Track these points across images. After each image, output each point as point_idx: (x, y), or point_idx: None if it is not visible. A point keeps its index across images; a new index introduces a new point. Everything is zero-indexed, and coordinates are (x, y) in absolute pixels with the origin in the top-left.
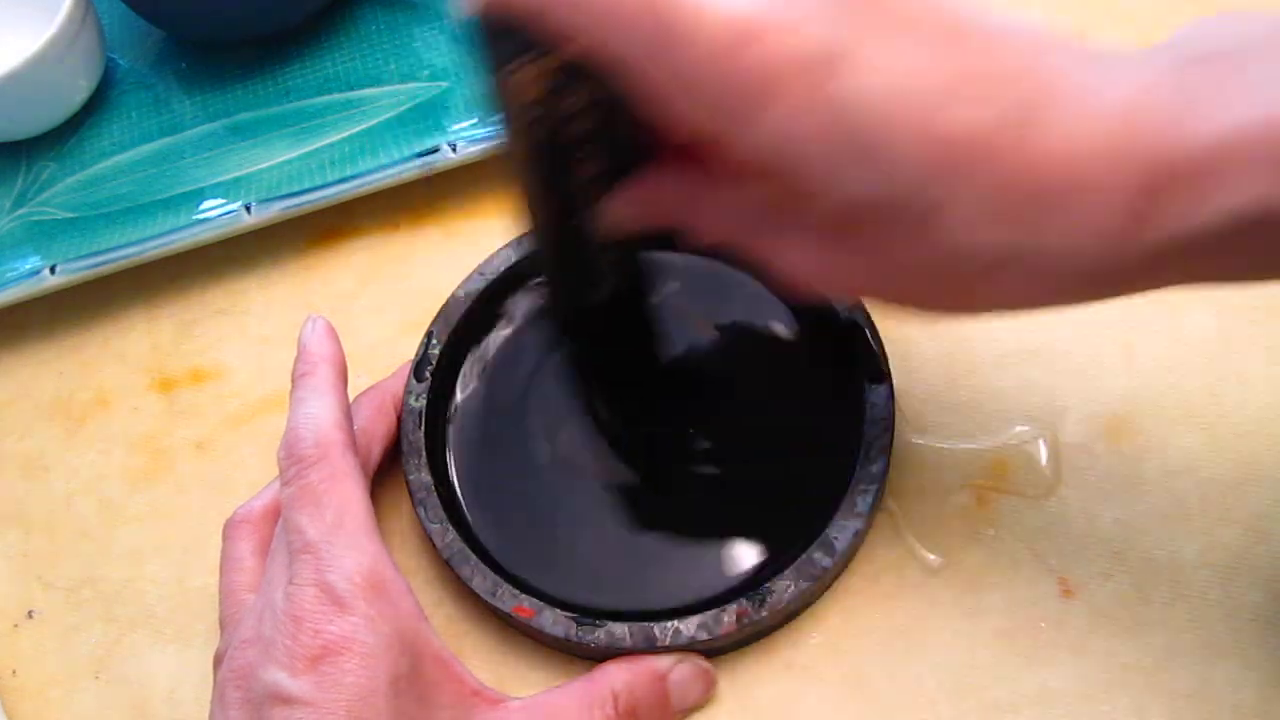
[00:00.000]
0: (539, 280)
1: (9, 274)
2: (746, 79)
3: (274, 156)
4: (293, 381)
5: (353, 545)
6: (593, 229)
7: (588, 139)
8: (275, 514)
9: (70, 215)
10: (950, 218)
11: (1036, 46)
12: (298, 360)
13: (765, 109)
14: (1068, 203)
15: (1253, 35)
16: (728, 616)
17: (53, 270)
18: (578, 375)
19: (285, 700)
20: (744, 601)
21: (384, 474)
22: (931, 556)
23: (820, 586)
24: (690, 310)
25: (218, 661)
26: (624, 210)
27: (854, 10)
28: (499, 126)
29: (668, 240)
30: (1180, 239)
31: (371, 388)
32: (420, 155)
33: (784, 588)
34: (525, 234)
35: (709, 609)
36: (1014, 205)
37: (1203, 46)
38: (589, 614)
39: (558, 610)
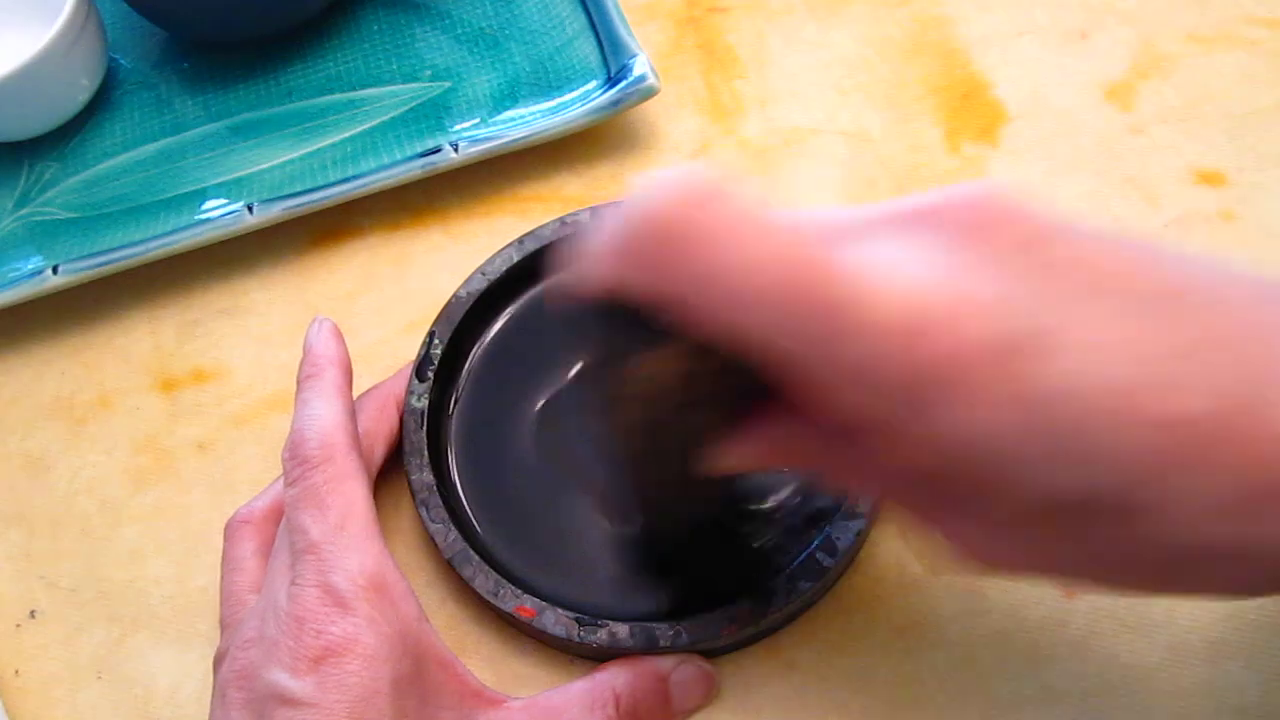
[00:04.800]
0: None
1: (11, 274)
2: (923, 371)
3: (276, 156)
4: (298, 383)
5: (356, 546)
6: (697, 467)
7: (708, 398)
8: (277, 514)
9: (72, 215)
10: (1169, 513)
11: (1258, 302)
12: (303, 362)
13: (946, 403)
14: None
15: None
16: (729, 617)
17: (55, 270)
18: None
19: (287, 701)
20: (745, 602)
21: (386, 474)
22: (933, 558)
23: (822, 587)
24: None
25: (218, 662)
26: (745, 451)
27: (1043, 277)
28: (605, 408)
29: None
30: None
31: (373, 388)
32: (422, 155)
33: (785, 588)
34: (618, 469)
35: (711, 609)
36: (1245, 499)
37: None
38: (591, 614)
39: (559, 610)
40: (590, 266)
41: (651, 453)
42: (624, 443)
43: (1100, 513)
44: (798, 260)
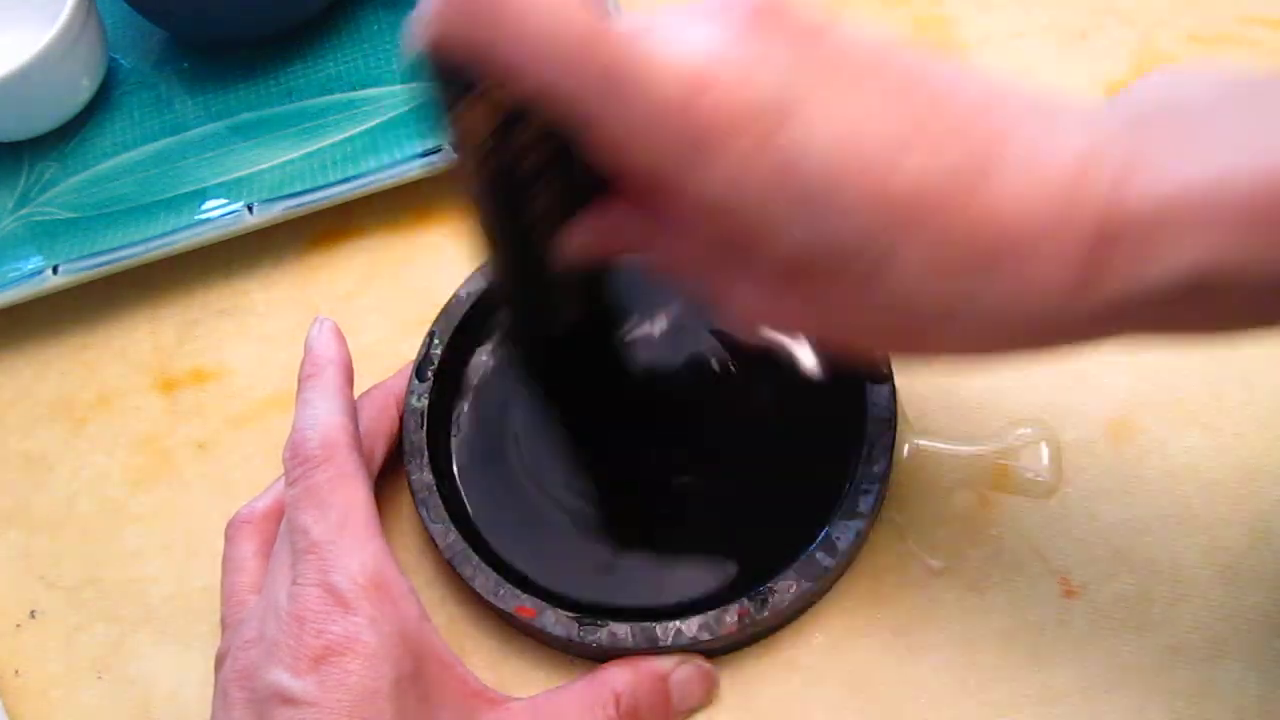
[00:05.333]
0: (501, 311)
1: (11, 274)
2: (696, 129)
3: (276, 156)
4: (299, 383)
5: (357, 546)
6: (551, 260)
7: (542, 172)
8: (277, 514)
9: (73, 215)
10: (898, 269)
11: (988, 97)
12: (304, 362)
13: (715, 158)
14: (1015, 260)
15: (1200, 96)
16: (729, 617)
17: (55, 270)
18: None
19: (288, 700)
20: (746, 601)
21: (386, 474)
22: (933, 557)
23: (822, 586)
24: (691, 316)
25: (219, 662)
26: (580, 241)
27: (805, 59)
28: (452, 158)
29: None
30: (1128, 298)
31: (374, 388)
32: (422, 155)
33: (786, 588)
34: (485, 264)
35: (711, 609)
36: (962, 260)
37: (1153, 106)
38: (591, 614)
39: (559, 610)
40: (418, 23)
41: (506, 225)
42: (481, 208)
43: (844, 268)
44: (587, 24)
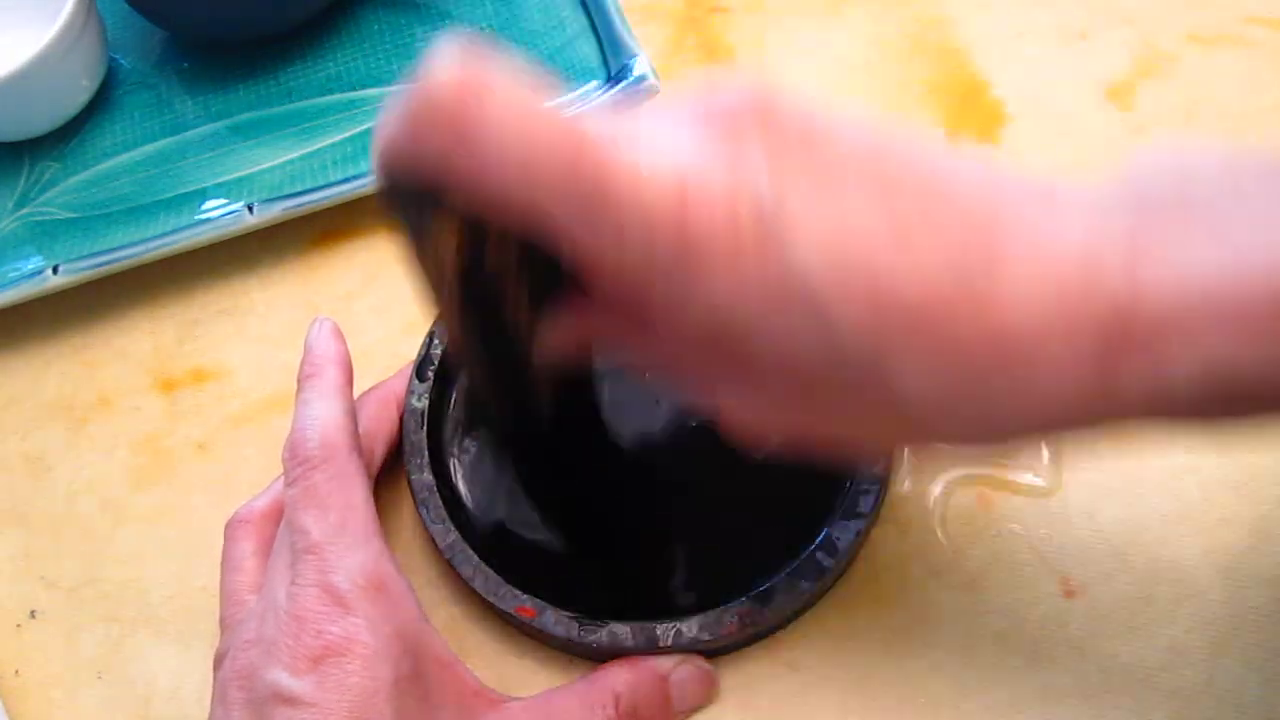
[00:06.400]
0: (479, 404)
1: (11, 274)
2: (683, 243)
3: (276, 156)
4: (299, 383)
5: (356, 546)
6: (530, 358)
7: (515, 273)
8: (276, 514)
9: (73, 215)
10: (899, 378)
11: (984, 185)
12: (304, 362)
13: (703, 272)
14: (1024, 365)
15: (1207, 180)
16: (729, 617)
17: (55, 270)
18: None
19: (288, 701)
20: (746, 602)
21: (386, 474)
22: (932, 557)
23: (822, 587)
24: None
25: (218, 661)
26: (559, 341)
27: (792, 163)
28: (417, 281)
29: None
30: (1140, 399)
31: (374, 388)
32: None
33: (786, 588)
34: (463, 366)
35: (711, 609)
36: (967, 366)
37: (1154, 188)
38: (591, 614)
39: (559, 610)
40: (381, 146)
41: (483, 338)
42: (452, 322)
43: (843, 378)
44: (569, 133)
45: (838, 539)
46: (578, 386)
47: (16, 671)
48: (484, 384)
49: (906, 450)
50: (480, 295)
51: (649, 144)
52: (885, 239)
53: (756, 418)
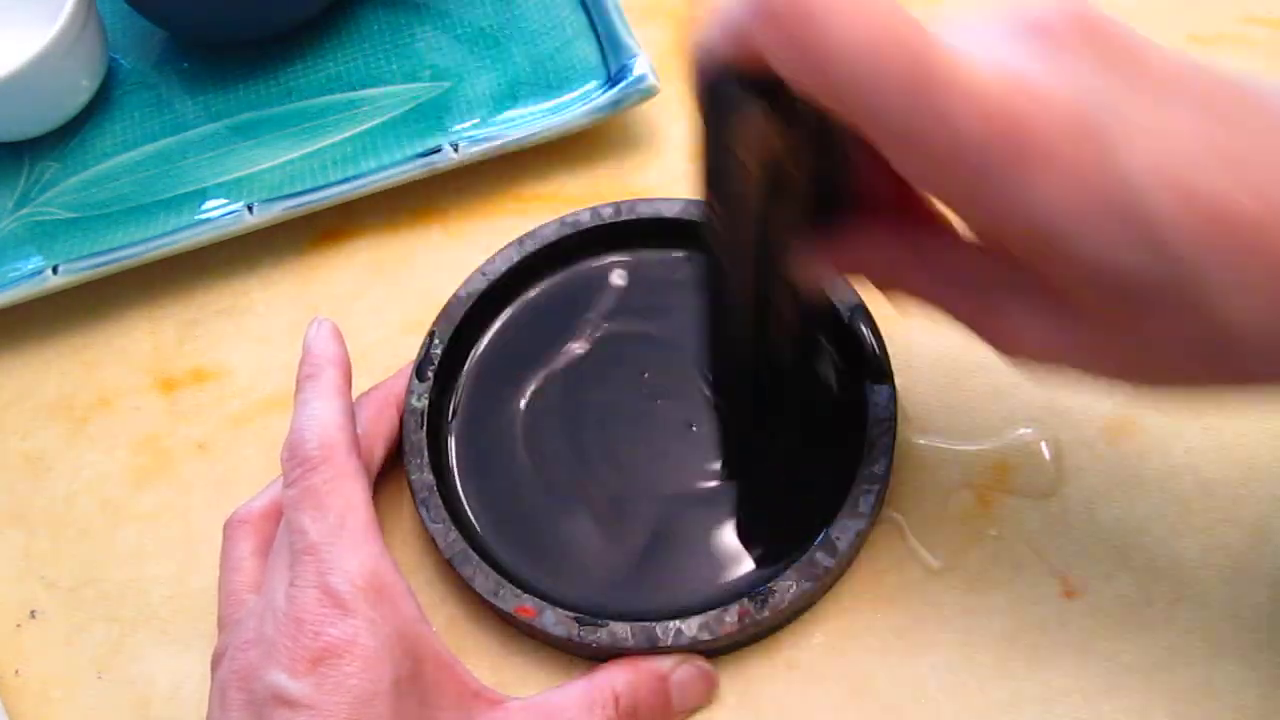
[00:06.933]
0: (712, 335)
1: (11, 274)
2: (1010, 144)
3: (276, 156)
4: (298, 383)
5: (355, 547)
6: (787, 284)
7: (804, 187)
8: (275, 514)
9: (73, 215)
10: (1225, 300)
11: None
12: (303, 362)
13: (1035, 176)
14: None
15: None
16: (729, 617)
17: (55, 270)
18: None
19: (287, 702)
20: (746, 601)
21: (386, 474)
22: (933, 557)
23: (822, 587)
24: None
25: (216, 661)
26: (825, 262)
27: (1126, 77)
28: (702, 176)
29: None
30: None
31: (374, 388)
32: (422, 155)
33: (786, 588)
34: (715, 291)
35: (711, 609)
36: None
37: None
38: (591, 614)
39: (560, 610)
40: (709, 35)
41: (743, 243)
42: (730, 226)
43: (1162, 297)
44: (901, 31)
45: (838, 539)
46: (810, 324)
47: (16, 671)
48: (742, 302)
49: (909, 453)
50: (771, 200)
51: (988, 49)
52: (1220, 158)
53: (1046, 342)
